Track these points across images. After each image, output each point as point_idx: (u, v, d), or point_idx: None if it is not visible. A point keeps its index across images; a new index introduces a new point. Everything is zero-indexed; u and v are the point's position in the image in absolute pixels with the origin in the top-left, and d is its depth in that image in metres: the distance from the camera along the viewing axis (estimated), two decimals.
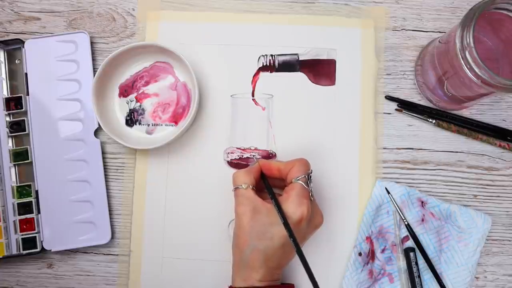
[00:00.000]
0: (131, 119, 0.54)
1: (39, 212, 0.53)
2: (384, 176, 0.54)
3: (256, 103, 0.55)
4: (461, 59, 0.42)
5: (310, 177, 0.46)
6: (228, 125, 0.54)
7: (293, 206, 0.43)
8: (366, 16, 0.55)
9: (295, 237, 0.42)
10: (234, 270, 0.46)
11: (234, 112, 0.55)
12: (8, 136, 0.54)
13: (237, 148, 0.54)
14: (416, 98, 0.55)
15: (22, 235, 0.52)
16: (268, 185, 0.46)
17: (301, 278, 0.51)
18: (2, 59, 0.55)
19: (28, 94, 0.54)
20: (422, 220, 0.52)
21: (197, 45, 0.55)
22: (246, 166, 0.53)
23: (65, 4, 0.57)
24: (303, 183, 0.44)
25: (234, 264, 0.46)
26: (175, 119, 0.54)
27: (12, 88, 0.55)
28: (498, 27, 0.46)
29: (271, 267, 0.44)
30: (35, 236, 0.52)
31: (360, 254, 0.51)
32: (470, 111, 0.55)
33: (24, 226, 0.52)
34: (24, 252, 0.52)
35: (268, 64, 0.55)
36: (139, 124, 0.54)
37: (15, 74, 0.55)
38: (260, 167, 0.47)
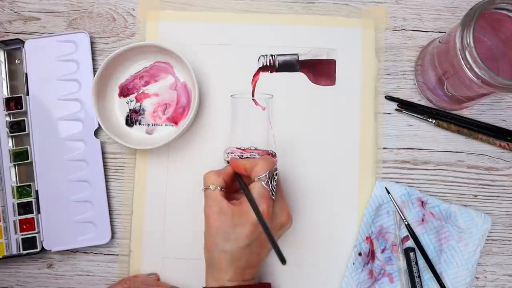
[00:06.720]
0: (131, 119, 0.54)
1: (39, 212, 0.53)
2: (384, 176, 0.54)
3: (256, 103, 0.55)
4: (461, 59, 0.42)
5: (274, 175, 0.45)
6: (228, 125, 0.54)
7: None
8: (366, 16, 0.55)
9: (267, 226, 0.41)
10: (206, 270, 0.46)
11: (234, 112, 0.55)
12: (8, 136, 0.54)
13: (237, 148, 0.54)
14: (416, 98, 0.55)
15: (22, 235, 0.52)
16: (242, 182, 0.46)
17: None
18: (2, 59, 0.55)
19: (28, 94, 0.54)
20: (422, 220, 0.52)
21: (197, 45, 0.55)
22: None
23: (65, 4, 0.57)
24: (262, 182, 0.44)
25: (205, 265, 0.46)
26: (175, 119, 0.54)
27: (12, 88, 0.55)
28: (498, 27, 0.46)
29: (240, 267, 0.44)
30: (35, 236, 0.52)
31: (360, 254, 0.51)
32: (470, 111, 0.55)
33: (24, 226, 0.52)
34: (24, 252, 0.52)
35: (268, 64, 0.55)
36: (139, 124, 0.54)
37: (15, 74, 0.55)
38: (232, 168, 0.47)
